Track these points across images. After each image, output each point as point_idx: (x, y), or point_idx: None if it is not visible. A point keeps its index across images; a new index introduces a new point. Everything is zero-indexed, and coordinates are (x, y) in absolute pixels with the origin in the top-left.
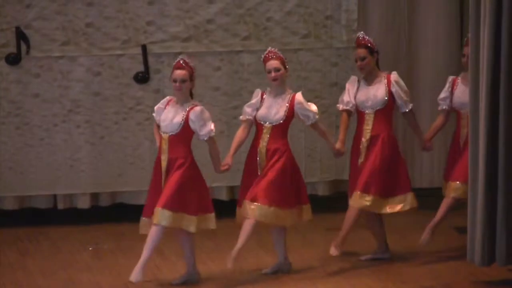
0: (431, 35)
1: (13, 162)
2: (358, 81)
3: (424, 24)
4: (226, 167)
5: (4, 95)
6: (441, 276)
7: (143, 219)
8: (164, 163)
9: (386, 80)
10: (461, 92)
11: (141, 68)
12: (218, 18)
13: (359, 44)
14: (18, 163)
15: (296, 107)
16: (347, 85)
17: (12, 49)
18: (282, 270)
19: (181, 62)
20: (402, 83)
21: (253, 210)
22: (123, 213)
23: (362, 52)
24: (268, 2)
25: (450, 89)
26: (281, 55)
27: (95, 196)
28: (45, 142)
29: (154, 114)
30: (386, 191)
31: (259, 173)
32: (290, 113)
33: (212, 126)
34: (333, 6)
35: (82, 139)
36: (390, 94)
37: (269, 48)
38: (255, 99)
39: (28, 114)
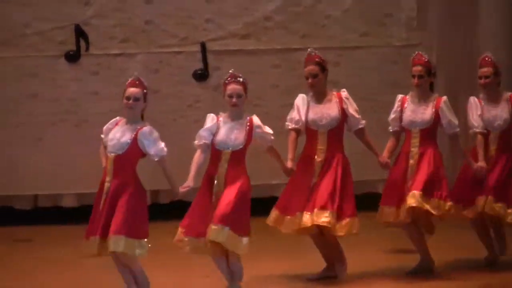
0: (493, 30)
1: (71, 159)
2: (307, 99)
3: (486, 19)
4: (186, 188)
5: (63, 93)
6: None
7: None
8: (107, 184)
9: (337, 99)
10: (411, 111)
11: (199, 65)
12: (276, 16)
13: (310, 60)
14: (75, 160)
15: (255, 131)
16: (296, 103)
17: (71, 46)
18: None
19: (135, 80)
20: (352, 100)
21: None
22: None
23: (313, 69)
24: (326, 0)
25: (399, 108)
26: (244, 81)
27: (154, 193)
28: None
29: (102, 135)
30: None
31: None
32: (249, 137)
33: (163, 145)
34: (392, 4)
35: None
36: (342, 112)
37: (231, 71)
38: (210, 124)
39: (86, 111)
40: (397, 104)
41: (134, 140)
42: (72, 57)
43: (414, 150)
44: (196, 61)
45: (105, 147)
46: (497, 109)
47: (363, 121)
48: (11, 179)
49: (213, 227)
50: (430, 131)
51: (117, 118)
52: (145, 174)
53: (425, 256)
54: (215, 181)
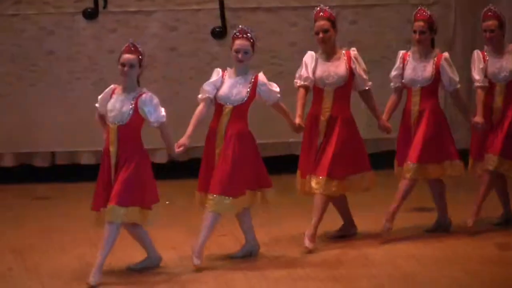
0: None
1: (89, 116)
2: (315, 56)
3: None
4: (181, 148)
5: (81, 50)
6: None
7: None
8: (113, 155)
9: (346, 57)
10: (411, 69)
11: (217, 23)
12: None
13: (321, 16)
14: (93, 118)
15: (259, 88)
16: (304, 60)
17: (89, 3)
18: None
19: (130, 46)
20: (361, 60)
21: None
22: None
23: (324, 24)
24: None
25: (401, 65)
26: (253, 37)
27: None
28: None
29: (97, 105)
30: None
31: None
32: (253, 94)
33: (163, 111)
34: None
35: (158, 95)
36: (350, 71)
37: (242, 27)
38: (216, 77)
39: (104, 69)
40: (399, 60)
41: (135, 108)
42: (90, 14)
43: (415, 108)
44: (214, 18)
45: (101, 116)
46: (502, 61)
47: (370, 83)
48: (30, 137)
49: (209, 197)
50: (430, 89)
51: (112, 86)
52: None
53: (443, 214)
54: (216, 135)
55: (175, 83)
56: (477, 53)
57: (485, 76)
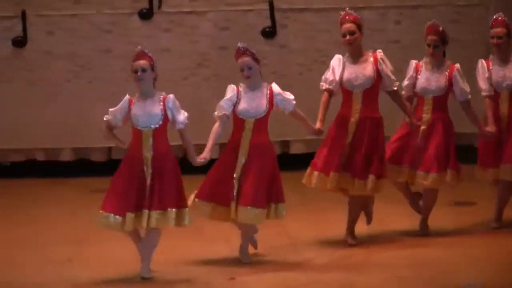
0: None
1: None
2: (343, 60)
3: None
4: (203, 160)
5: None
6: None
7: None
8: (148, 158)
9: (372, 59)
10: (425, 79)
11: (267, 23)
12: None
13: (347, 19)
14: None
15: (275, 99)
16: (331, 63)
17: (145, 4)
18: None
19: (139, 53)
20: (387, 61)
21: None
22: None
23: (350, 26)
24: None
25: (414, 74)
26: (253, 52)
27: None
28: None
29: (108, 116)
30: None
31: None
32: (271, 105)
33: (186, 114)
34: None
35: (211, 92)
36: (377, 72)
37: (239, 44)
38: (230, 94)
39: (158, 68)
40: (412, 70)
41: (164, 109)
42: (145, 14)
43: (426, 116)
44: (264, 19)
45: (110, 128)
46: (505, 69)
47: (397, 83)
48: (87, 132)
49: (240, 208)
50: (442, 98)
51: (127, 97)
52: None
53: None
54: (240, 149)
55: (226, 81)
56: (481, 62)
57: (490, 84)
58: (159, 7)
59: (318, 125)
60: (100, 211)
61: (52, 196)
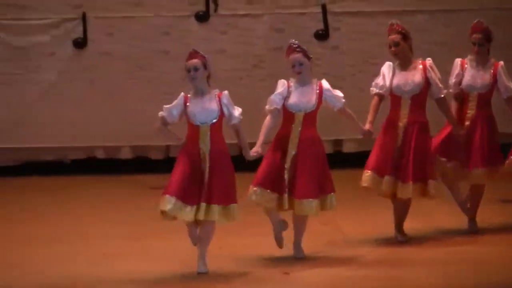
0: None
1: None
2: (393, 66)
3: None
4: (255, 154)
5: None
6: None
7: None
8: (205, 153)
9: (421, 66)
10: (470, 76)
11: (320, 26)
12: None
13: (393, 30)
14: None
15: (325, 95)
16: (382, 70)
17: (201, 7)
18: None
19: (192, 53)
20: (436, 69)
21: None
22: None
23: (395, 37)
24: None
25: (460, 72)
26: (304, 48)
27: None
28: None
29: (162, 113)
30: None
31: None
32: (320, 100)
33: (240, 109)
34: None
35: (266, 92)
36: (425, 80)
37: (291, 41)
38: (281, 89)
39: (214, 68)
40: (458, 68)
41: (220, 105)
42: (202, 17)
43: (471, 112)
44: (317, 21)
45: (165, 124)
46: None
47: (445, 91)
48: (145, 131)
49: (296, 201)
50: (487, 95)
51: (182, 94)
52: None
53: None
54: (289, 143)
55: None
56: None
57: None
58: (216, 10)
59: (367, 126)
60: (166, 196)
61: (111, 192)
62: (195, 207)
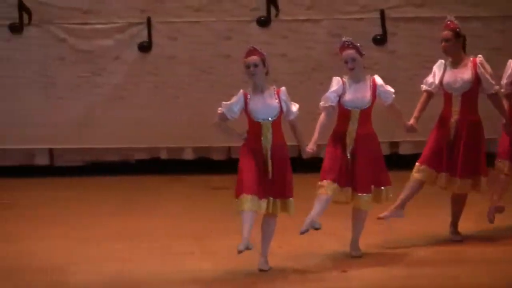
0: None
1: None
2: (445, 64)
3: None
4: (311, 151)
5: None
6: None
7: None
8: (268, 148)
9: (472, 64)
10: None
11: (378, 31)
12: None
13: (446, 27)
14: None
15: (378, 90)
16: (434, 67)
17: (263, 12)
18: None
19: (250, 49)
20: (487, 65)
21: None
22: None
23: (447, 34)
24: None
25: None
26: (357, 45)
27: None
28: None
29: (222, 109)
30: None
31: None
32: (374, 96)
33: (297, 105)
34: None
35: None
36: (475, 76)
37: (344, 39)
38: (336, 86)
39: (276, 71)
40: (510, 69)
41: (279, 101)
42: (263, 22)
43: None
44: (375, 27)
45: (224, 120)
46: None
47: (497, 87)
48: (209, 133)
49: (355, 195)
50: None
51: (241, 91)
52: None
53: None
54: (347, 138)
55: None
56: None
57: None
58: (276, 15)
59: (411, 121)
60: (243, 195)
61: (174, 192)
62: (266, 201)
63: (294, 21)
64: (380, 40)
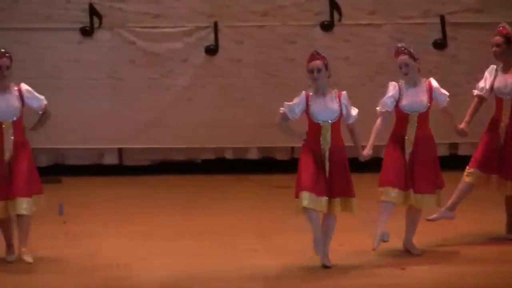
0: None
1: None
2: (496, 69)
3: None
4: (367, 155)
5: None
6: None
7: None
8: (326, 149)
9: None
10: None
11: (438, 35)
12: None
13: (498, 32)
14: None
15: (434, 93)
16: (485, 73)
17: (326, 17)
18: None
19: (314, 54)
20: None
21: None
22: None
23: (498, 39)
24: None
25: None
26: (411, 50)
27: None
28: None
29: (284, 109)
30: None
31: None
32: (431, 99)
33: (357, 110)
34: None
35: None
36: None
37: (398, 44)
38: (393, 91)
39: (338, 74)
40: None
41: (340, 105)
42: (326, 26)
43: None
44: (436, 31)
45: (285, 119)
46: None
47: None
48: (273, 133)
49: (417, 196)
50: None
51: (304, 93)
52: None
53: None
54: (406, 142)
55: None
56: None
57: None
58: (340, 19)
59: (462, 125)
60: (302, 192)
61: (238, 191)
62: (324, 199)
63: (357, 25)
64: (440, 45)
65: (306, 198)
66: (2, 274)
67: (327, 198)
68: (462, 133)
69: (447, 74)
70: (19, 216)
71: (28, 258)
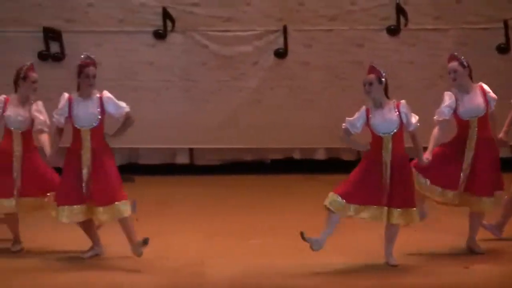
0: None
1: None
2: None
3: None
4: (426, 160)
5: (383, 62)
6: None
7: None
8: (388, 160)
9: None
10: None
11: (501, 40)
12: None
13: None
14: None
15: (488, 96)
16: None
17: (392, 21)
18: None
19: (370, 67)
20: None
21: None
22: None
23: None
24: None
25: None
26: (461, 58)
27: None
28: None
29: (347, 125)
30: None
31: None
32: (487, 102)
33: (417, 117)
34: None
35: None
36: None
37: (453, 52)
38: (449, 101)
39: (401, 78)
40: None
41: (399, 114)
42: (393, 30)
43: None
44: (499, 36)
45: (348, 134)
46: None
47: None
48: (339, 135)
49: (481, 198)
50: None
51: (363, 108)
52: None
53: None
54: (467, 145)
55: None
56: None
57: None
58: (406, 24)
59: (501, 135)
60: (332, 193)
61: (306, 191)
62: (356, 207)
63: (422, 30)
64: (504, 49)
65: (336, 203)
66: (72, 272)
67: (375, 206)
68: (500, 142)
69: (509, 77)
70: (121, 219)
71: (140, 250)
